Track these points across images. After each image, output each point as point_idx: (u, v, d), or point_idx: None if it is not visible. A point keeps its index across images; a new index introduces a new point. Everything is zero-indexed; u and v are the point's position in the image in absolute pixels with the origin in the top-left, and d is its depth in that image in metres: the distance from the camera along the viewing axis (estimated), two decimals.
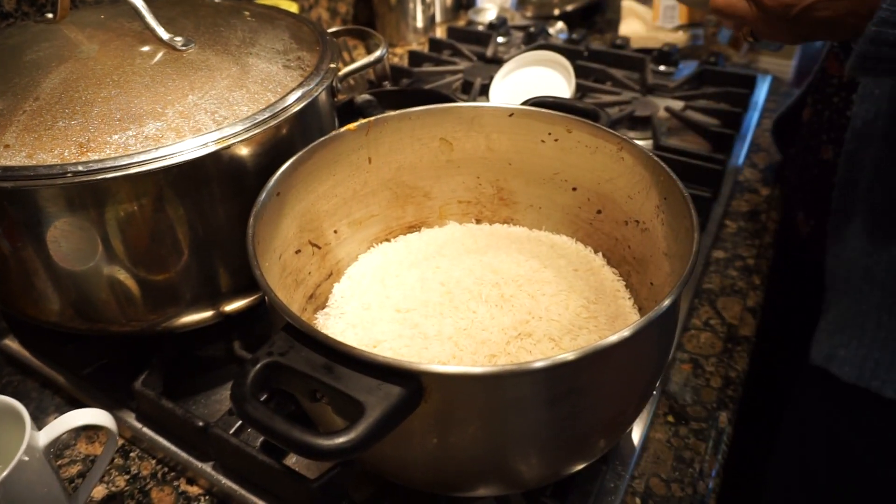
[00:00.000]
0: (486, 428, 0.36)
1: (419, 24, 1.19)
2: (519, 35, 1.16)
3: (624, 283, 0.54)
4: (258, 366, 0.33)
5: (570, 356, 0.34)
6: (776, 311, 0.78)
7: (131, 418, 0.53)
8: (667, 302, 0.37)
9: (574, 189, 0.56)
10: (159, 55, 0.51)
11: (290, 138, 0.51)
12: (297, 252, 0.51)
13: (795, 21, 0.49)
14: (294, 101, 0.49)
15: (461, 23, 1.28)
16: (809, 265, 0.75)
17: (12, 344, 0.59)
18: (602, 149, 0.52)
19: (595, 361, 0.35)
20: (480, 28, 1.18)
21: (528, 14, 1.28)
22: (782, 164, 0.87)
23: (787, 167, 0.85)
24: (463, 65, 1.03)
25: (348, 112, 0.75)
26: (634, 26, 1.13)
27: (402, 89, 0.88)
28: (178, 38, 0.52)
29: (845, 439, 0.66)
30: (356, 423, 0.31)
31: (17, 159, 0.43)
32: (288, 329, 0.35)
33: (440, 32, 1.23)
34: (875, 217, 0.60)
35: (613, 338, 0.34)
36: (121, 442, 0.53)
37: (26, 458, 0.41)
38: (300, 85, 0.51)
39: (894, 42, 0.44)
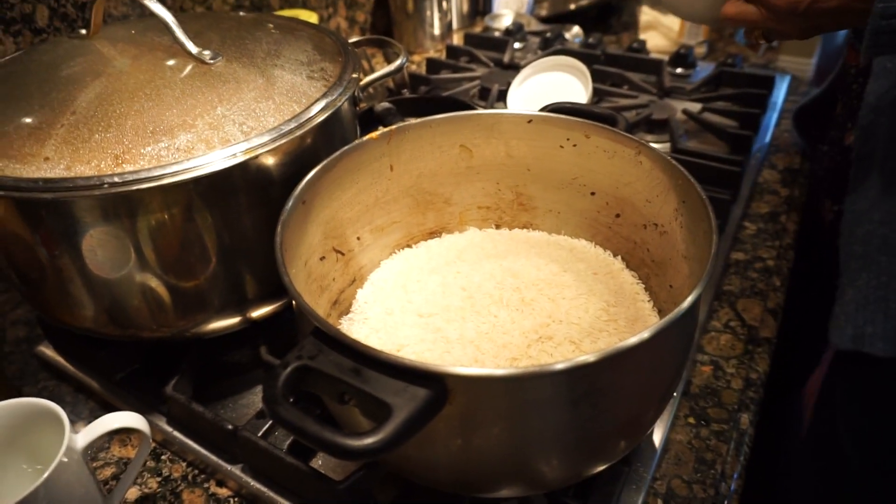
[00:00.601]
0: (509, 429, 0.37)
1: (436, 31, 1.21)
2: (535, 41, 1.17)
3: (643, 285, 0.54)
4: (288, 369, 0.34)
5: (590, 358, 0.35)
6: (797, 311, 0.78)
7: (162, 422, 0.54)
8: (686, 304, 0.37)
9: (593, 193, 0.57)
10: (188, 68, 0.53)
11: (315, 147, 0.52)
12: (322, 259, 0.52)
13: (805, 15, 0.52)
14: (318, 111, 0.51)
15: (478, 29, 1.29)
16: (833, 256, 0.75)
17: (47, 350, 0.61)
18: (620, 153, 0.53)
19: (615, 363, 0.36)
20: (497, 34, 1.19)
21: (543, 13, 1.29)
22: (808, 156, 0.87)
23: (813, 160, 0.85)
24: (480, 71, 1.04)
25: (368, 120, 0.76)
26: (656, 40, 1.13)
27: (421, 97, 0.89)
28: (207, 52, 0.54)
29: (881, 420, 0.66)
30: (384, 424, 0.32)
31: (56, 171, 0.44)
32: (317, 333, 0.36)
33: (457, 39, 1.24)
34: (891, 186, 0.60)
35: (633, 340, 0.35)
36: (152, 445, 0.55)
37: (66, 460, 0.43)
38: (324, 95, 0.52)
39: None
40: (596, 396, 0.38)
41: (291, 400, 0.49)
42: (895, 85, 0.59)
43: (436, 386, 0.33)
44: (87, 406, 0.58)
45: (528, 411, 0.37)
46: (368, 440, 0.31)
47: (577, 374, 0.36)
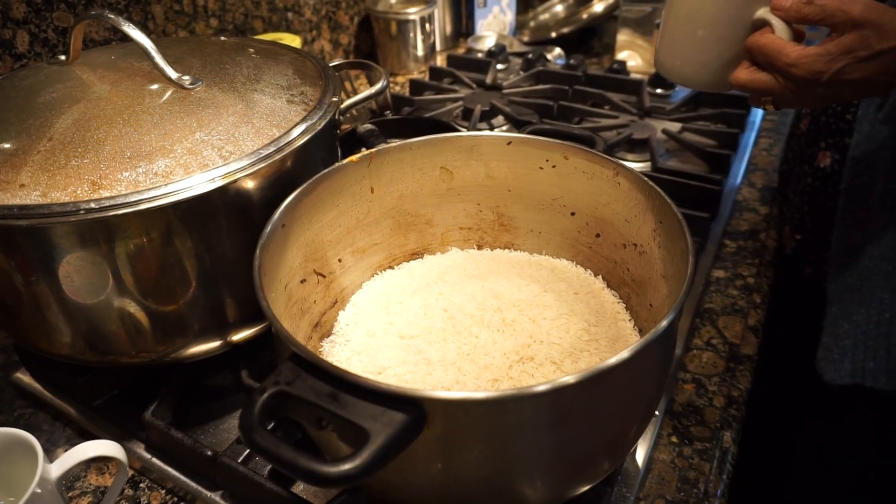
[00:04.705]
0: (489, 452, 0.37)
1: (419, 52, 1.22)
2: (518, 62, 1.19)
3: (624, 305, 0.55)
4: (265, 395, 0.34)
5: (570, 379, 0.35)
6: (776, 330, 0.78)
7: (141, 449, 0.53)
8: (664, 323, 0.37)
9: (573, 214, 0.57)
10: (168, 94, 0.53)
11: (295, 171, 0.52)
12: (303, 281, 0.52)
13: (826, 85, 0.49)
14: (298, 134, 0.51)
15: (461, 51, 1.31)
16: (807, 282, 0.75)
17: (24, 377, 0.60)
18: (598, 174, 0.53)
19: (596, 383, 0.36)
20: (480, 55, 1.21)
21: (525, 38, 1.31)
22: (779, 181, 0.88)
23: (781, 183, 0.85)
24: (463, 92, 1.05)
25: (351, 141, 0.76)
26: (637, 60, 1.15)
27: (403, 118, 0.90)
28: (186, 77, 0.54)
29: (876, 449, 0.66)
30: (361, 450, 0.31)
31: (31, 198, 0.44)
32: (294, 359, 0.36)
33: (440, 61, 1.26)
34: (893, 223, 0.59)
35: (613, 360, 0.35)
36: (131, 473, 0.54)
37: (39, 491, 0.42)
38: (303, 119, 0.52)
39: None
40: (577, 417, 0.38)
41: (271, 426, 0.49)
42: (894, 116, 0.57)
43: (413, 410, 0.33)
44: (64, 434, 0.57)
45: (508, 433, 0.37)
46: (345, 466, 0.31)
47: (558, 396, 0.36)
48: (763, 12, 0.51)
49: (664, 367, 0.43)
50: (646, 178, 0.49)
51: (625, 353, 0.36)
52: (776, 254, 0.78)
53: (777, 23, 0.50)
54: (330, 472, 0.30)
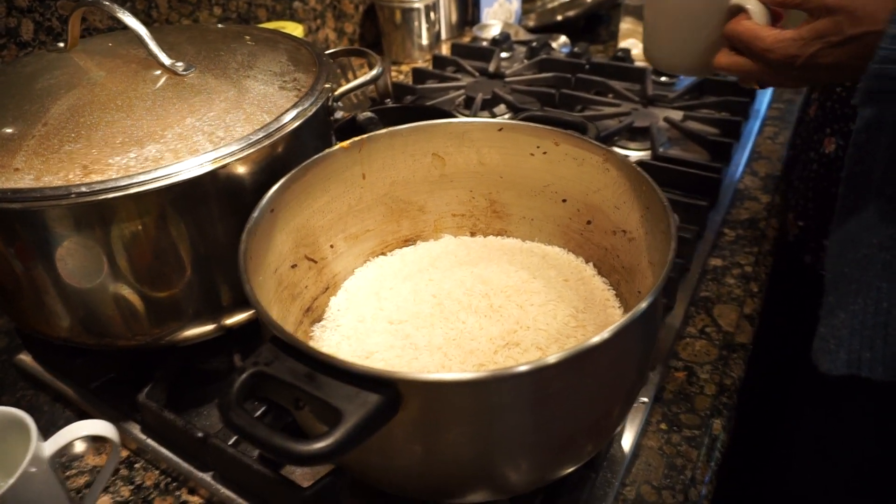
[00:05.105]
0: (467, 433, 0.38)
1: (424, 41, 1.22)
2: (522, 50, 1.18)
3: (614, 291, 0.55)
4: (244, 375, 0.35)
5: (551, 360, 0.35)
6: (775, 318, 0.78)
7: (136, 430, 0.54)
8: (643, 304, 0.38)
9: (564, 200, 0.57)
10: (161, 80, 0.54)
11: (286, 156, 0.52)
12: (293, 266, 0.53)
13: (801, 69, 0.51)
14: (288, 120, 0.51)
15: (466, 39, 1.30)
16: (806, 270, 0.75)
17: (26, 358, 0.62)
18: (588, 161, 0.53)
19: (575, 365, 0.36)
20: (484, 44, 1.20)
21: (531, 23, 1.30)
22: (783, 168, 0.87)
23: (785, 169, 0.85)
24: (466, 80, 1.05)
25: (351, 129, 0.77)
26: (638, 48, 1.14)
27: (404, 106, 0.90)
28: (180, 64, 0.54)
29: (875, 440, 0.66)
30: (334, 430, 0.32)
31: (24, 182, 0.45)
32: (274, 340, 0.36)
33: (445, 49, 1.25)
34: (891, 210, 0.58)
35: (591, 341, 0.35)
36: (126, 453, 0.55)
37: (32, 469, 0.43)
38: (294, 105, 0.53)
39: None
40: (556, 399, 0.38)
41: (263, 409, 0.49)
42: None
43: (387, 391, 0.34)
44: (63, 415, 0.59)
45: (485, 415, 0.37)
46: (317, 445, 0.31)
47: (536, 377, 0.36)
48: None
49: (646, 349, 0.43)
50: (633, 165, 0.49)
51: (605, 334, 0.36)
52: (778, 242, 0.77)
53: (753, 7, 0.52)
54: (302, 451, 0.31)
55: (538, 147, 0.56)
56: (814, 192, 0.73)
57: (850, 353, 0.60)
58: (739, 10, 0.53)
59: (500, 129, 0.56)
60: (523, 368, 0.34)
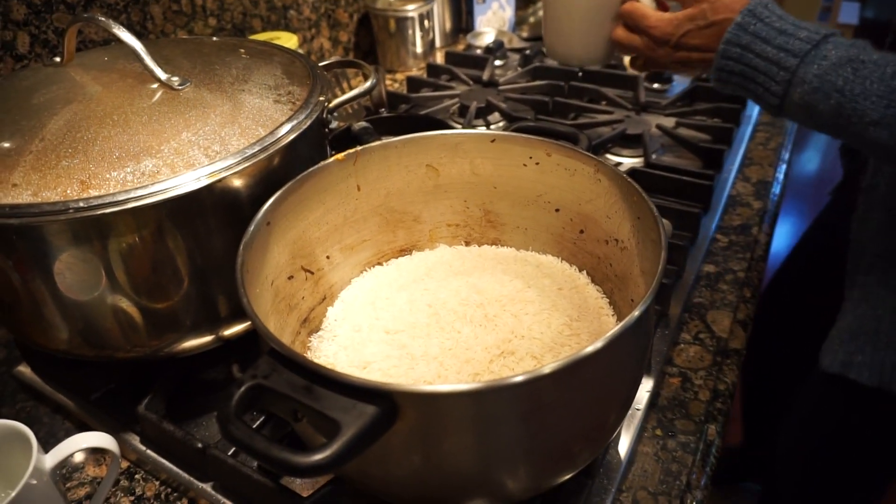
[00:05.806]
0: (464, 443, 0.38)
1: (419, 49, 1.22)
2: (516, 58, 1.19)
3: (608, 300, 0.55)
4: (243, 388, 0.35)
5: (545, 370, 0.35)
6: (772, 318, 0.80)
7: (136, 441, 0.55)
8: (636, 313, 0.38)
9: (557, 210, 0.58)
10: (157, 95, 0.54)
11: (282, 169, 0.53)
12: (290, 278, 0.53)
13: (675, 47, 0.61)
14: (284, 133, 0.52)
15: (460, 47, 1.31)
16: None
17: (25, 370, 0.62)
18: (580, 171, 0.54)
19: (568, 374, 0.37)
20: (479, 52, 1.21)
21: (524, 34, 1.31)
22: (843, 183, 0.90)
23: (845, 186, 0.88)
24: (460, 89, 1.06)
25: (345, 139, 0.78)
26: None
27: (398, 115, 0.91)
28: (175, 78, 0.55)
29: (858, 435, 0.68)
30: (332, 441, 0.32)
31: (23, 197, 0.45)
32: (271, 353, 0.37)
33: (440, 57, 1.26)
34: (891, 220, 0.61)
35: (583, 351, 0.36)
36: (127, 464, 0.55)
37: (33, 482, 0.43)
38: (289, 119, 0.53)
39: (737, 58, 0.55)
40: (550, 408, 0.38)
41: (261, 420, 0.50)
42: None
43: (384, 403, 0.34)
44: (63, 427, 0.59)
45: (480, 425, 0.37)
46: (315, 457, 0.32)
47: (530, 388, 0.37)
48: None
49: (640, 357, 0.44)
50: (624, 175, 0.50)
51: (598, 343, 0.36)
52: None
53: None
54: (300, 463, 0.32)
55: (531, 158, 0.56)
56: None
57: (846, 354, 0.63)
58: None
59: (492, 141, 0.57)
60: (518, 379, 0.35)
